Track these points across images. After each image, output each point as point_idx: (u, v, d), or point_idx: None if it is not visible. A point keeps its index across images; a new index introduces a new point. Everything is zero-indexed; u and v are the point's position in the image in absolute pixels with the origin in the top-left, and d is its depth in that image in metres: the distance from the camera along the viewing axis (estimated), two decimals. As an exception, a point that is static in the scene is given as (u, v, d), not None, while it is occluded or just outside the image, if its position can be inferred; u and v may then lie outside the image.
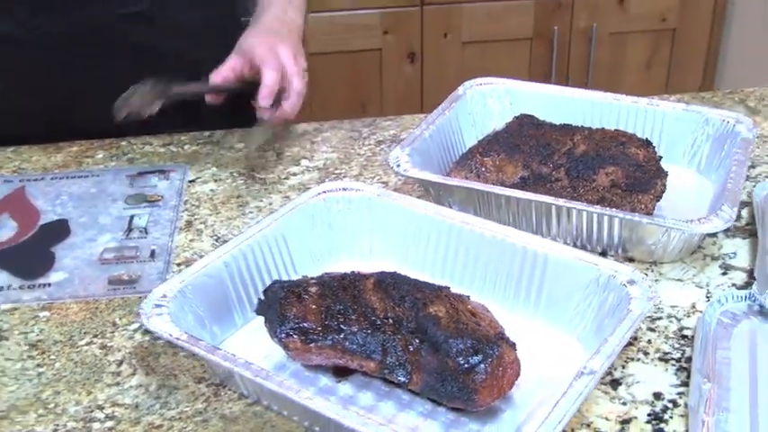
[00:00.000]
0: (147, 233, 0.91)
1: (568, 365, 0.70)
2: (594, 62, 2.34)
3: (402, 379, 0.68)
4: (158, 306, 0.70)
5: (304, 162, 1.04)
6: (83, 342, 0.77)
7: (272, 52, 1.00)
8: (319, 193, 0.83)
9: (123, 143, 1.09)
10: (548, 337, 0.75)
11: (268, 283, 0.76)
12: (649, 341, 0.75)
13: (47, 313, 0.80)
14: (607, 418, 0.67)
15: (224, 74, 1.01)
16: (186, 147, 1.08)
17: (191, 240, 0.90)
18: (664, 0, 2.32)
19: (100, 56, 1.06)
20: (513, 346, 0.68)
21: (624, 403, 0.68)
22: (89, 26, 1.04)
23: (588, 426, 0.66)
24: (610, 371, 0.71)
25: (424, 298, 0.70)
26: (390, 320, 0.69)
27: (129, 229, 0.92)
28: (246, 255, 0.77)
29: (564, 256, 0.75)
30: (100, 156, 1.07)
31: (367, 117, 1.14)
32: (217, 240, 0.89)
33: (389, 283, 0.72)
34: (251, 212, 0.94)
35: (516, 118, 1.00)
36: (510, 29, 2.30)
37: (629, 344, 0.73)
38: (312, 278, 0.75)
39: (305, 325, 0.70)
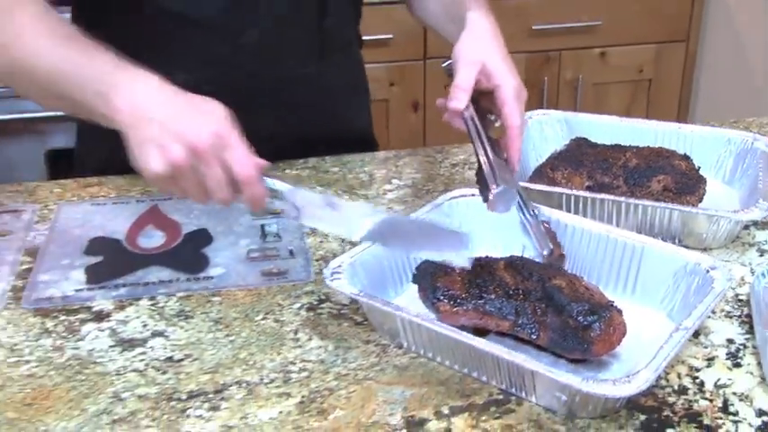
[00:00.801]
0: (280, 238, 1.08)
1: (662, 334, 0.87)
2: (580, 109, 2.58)
3: (533, 336, 0.86)
4: (335, 273, 0.88)
5: (395, 181, 1.22)
6: (258, 318, 0.93)
7: (508, 71, 1.03)
8: (452, 197, 1.02)
9: (231, 169, 1.26)
10: (643, 314, 0.92)
11: (413, 265, 0.94)
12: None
13: (218, 298, 0.97)
14: (696, 357, 0.86)
15: (469, 92, 1.02)
16: (287, 171, 1.26)
17: (320, 242, 1.07)
18: (640, 54, 2.59)
19: (259, 109, 1.20)
20: (620, 312, 0.86)
21: (706, 347, 0.88)
22: (256, 84, 1.21)
23: (683, 362, 0.85)
24: (690, 325, 0.90)
25: (548, 274, 0.89)
26: (521, 291, 0.87)
27: (264, 235, 1.09)
28: (395, 243, 0.95)
29: (657, 248, 0.94)
30: (214, 180, 1.24)
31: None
32: (342, 242, 1.07)
33: (518, 264, 0.91)
34: (363, 220, 1.12)
35: (573, 140, 1.20)
36: (504, 80, 2.53)
37: (701, 305, 0.93)
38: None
39: (453, 292, 0.88)
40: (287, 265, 1.03)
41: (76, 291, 0.99)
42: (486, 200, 0.96)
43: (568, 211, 1.06)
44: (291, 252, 1.05)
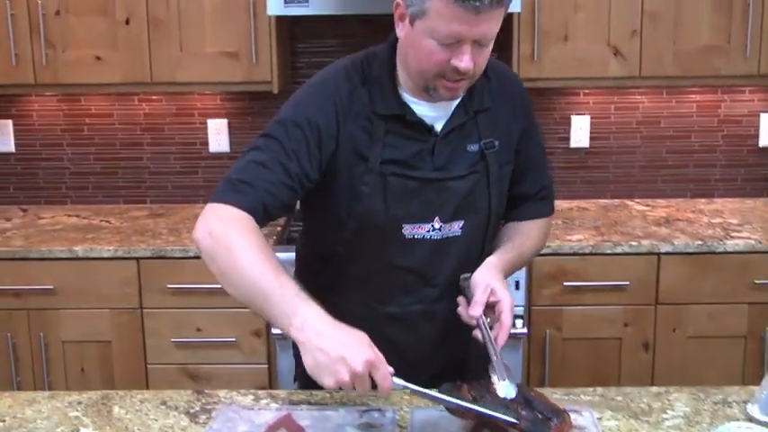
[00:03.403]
0: None
1: None
2: (800, 358, 2.83)
3: (515, 422, 1.36)
4: None
5: (669, 412, 1.57)
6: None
7: (505, 292, 1.58)
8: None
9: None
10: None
11: None
12: None
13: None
14: None
15: (483, 305, 1.57)
16: (583, 397, 1.63)
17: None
18: None
19: (428, 333, 1.74)
20: (569, 415, 1.40)
21: None
22: (433, 313, 1.73)
23: None
24: None
25: (525, 389, 1.35)
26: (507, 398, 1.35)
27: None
28: None
29: None
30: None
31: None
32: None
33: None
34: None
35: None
36: (726, 327, 2.83)
37: None
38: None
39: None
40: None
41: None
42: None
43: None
44: None
